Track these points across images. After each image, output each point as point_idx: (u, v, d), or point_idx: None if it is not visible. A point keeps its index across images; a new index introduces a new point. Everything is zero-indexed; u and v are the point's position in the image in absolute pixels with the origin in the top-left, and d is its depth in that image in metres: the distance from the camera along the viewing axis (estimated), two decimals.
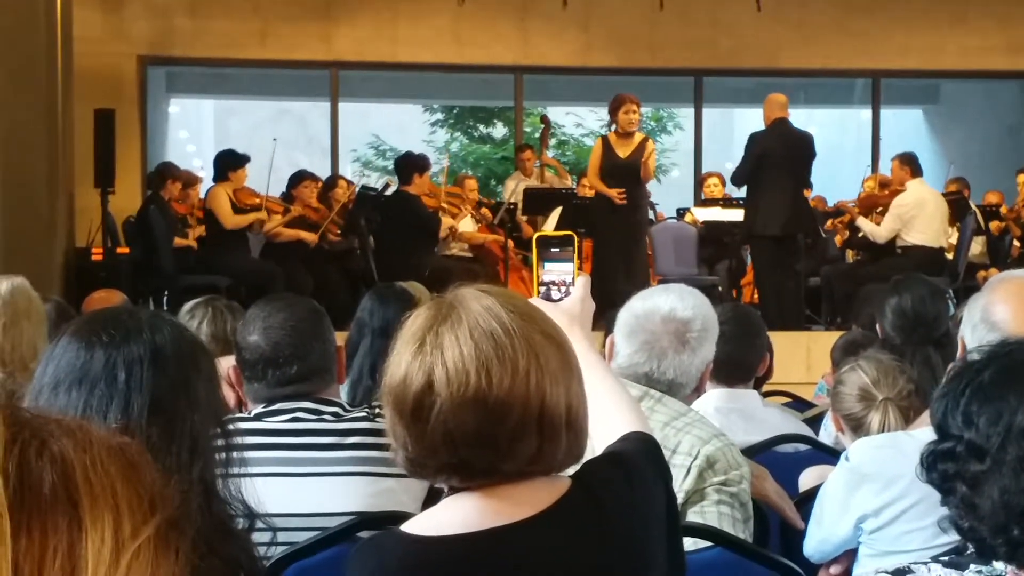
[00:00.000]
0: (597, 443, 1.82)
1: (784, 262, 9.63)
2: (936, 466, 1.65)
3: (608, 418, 1.84)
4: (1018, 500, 1.57)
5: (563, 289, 2.11)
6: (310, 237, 10.19)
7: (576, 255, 2.13)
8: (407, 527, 1.63)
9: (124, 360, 1.61)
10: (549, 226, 10.66)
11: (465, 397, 1.53)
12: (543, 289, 2.12)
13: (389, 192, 10.43)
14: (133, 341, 1.64)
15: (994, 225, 11.00)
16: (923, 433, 2.26)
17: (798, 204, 9.65)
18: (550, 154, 11.32)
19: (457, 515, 1.60)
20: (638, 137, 9.52)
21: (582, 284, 2.08)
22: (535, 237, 2.16)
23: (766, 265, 9.74)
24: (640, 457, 1.76)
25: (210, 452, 1.67)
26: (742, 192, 10.29)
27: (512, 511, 1.58)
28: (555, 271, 2.14)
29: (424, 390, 1.55)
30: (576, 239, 2.15)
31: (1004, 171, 12.87)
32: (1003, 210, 11.16)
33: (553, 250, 2.14)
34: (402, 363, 1.58)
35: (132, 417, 1.62)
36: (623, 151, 9.39)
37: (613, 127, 9.53)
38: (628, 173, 9.35)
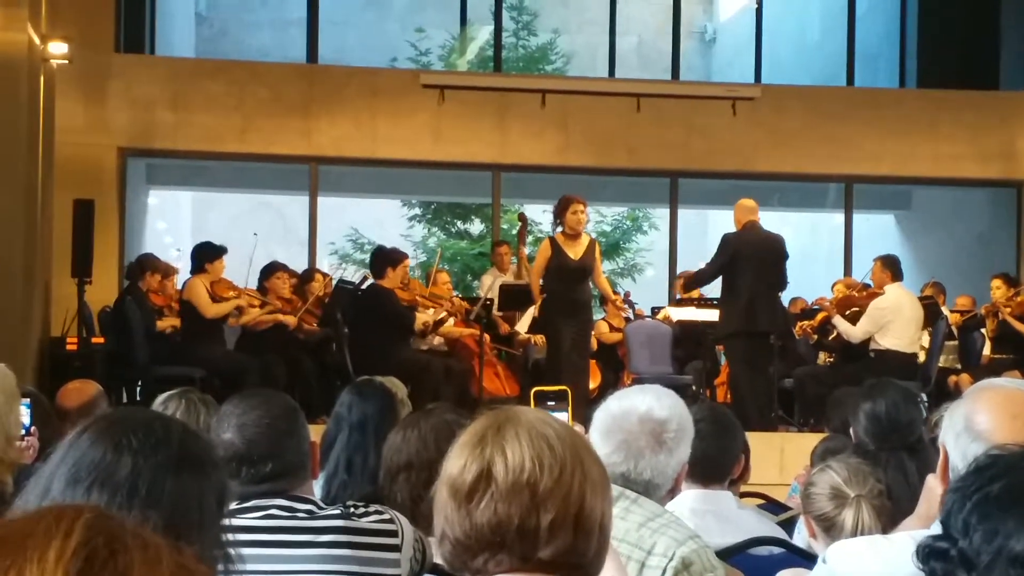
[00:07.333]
0: None
1: (757, 362, 9.66)
2: (929, 560, 1.65)
3: None
4: None
5: None
6: (290, 320, 10.18)
7: (570, 407, 2.33)
8: None
9: (149, 471, 1.61)
10: (525, 323, 10.70)
11: (519, 482, 1.71)
12: None
13: (366, 286, 10.45)
14: (161, 452, 1.63)
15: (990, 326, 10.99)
16: (901, 538, 2.26)
17: (772, 304, 9.72)
18: (527, 251, 11.36)
19: None
20: (585, 238, 9.49)
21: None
22: (532, 392, 2.37)
23: (740, 364, 9.77)
24: None
25: (209, 561, 1.67)
26: (716, 292, 10.35)
27: None
28: None
29: (482, 475, 1.73)
30: (570, 393, 2.36)
31: (974, 277, 13.00)
32: (983, 310, 11.18)
33: (549, 403, 2.34)
34: (463, 456, 1.76)
35: None
36: (573, 252, 9.35)
37: (560, 228, 9.44)
38: (581, 276, 9.36)
